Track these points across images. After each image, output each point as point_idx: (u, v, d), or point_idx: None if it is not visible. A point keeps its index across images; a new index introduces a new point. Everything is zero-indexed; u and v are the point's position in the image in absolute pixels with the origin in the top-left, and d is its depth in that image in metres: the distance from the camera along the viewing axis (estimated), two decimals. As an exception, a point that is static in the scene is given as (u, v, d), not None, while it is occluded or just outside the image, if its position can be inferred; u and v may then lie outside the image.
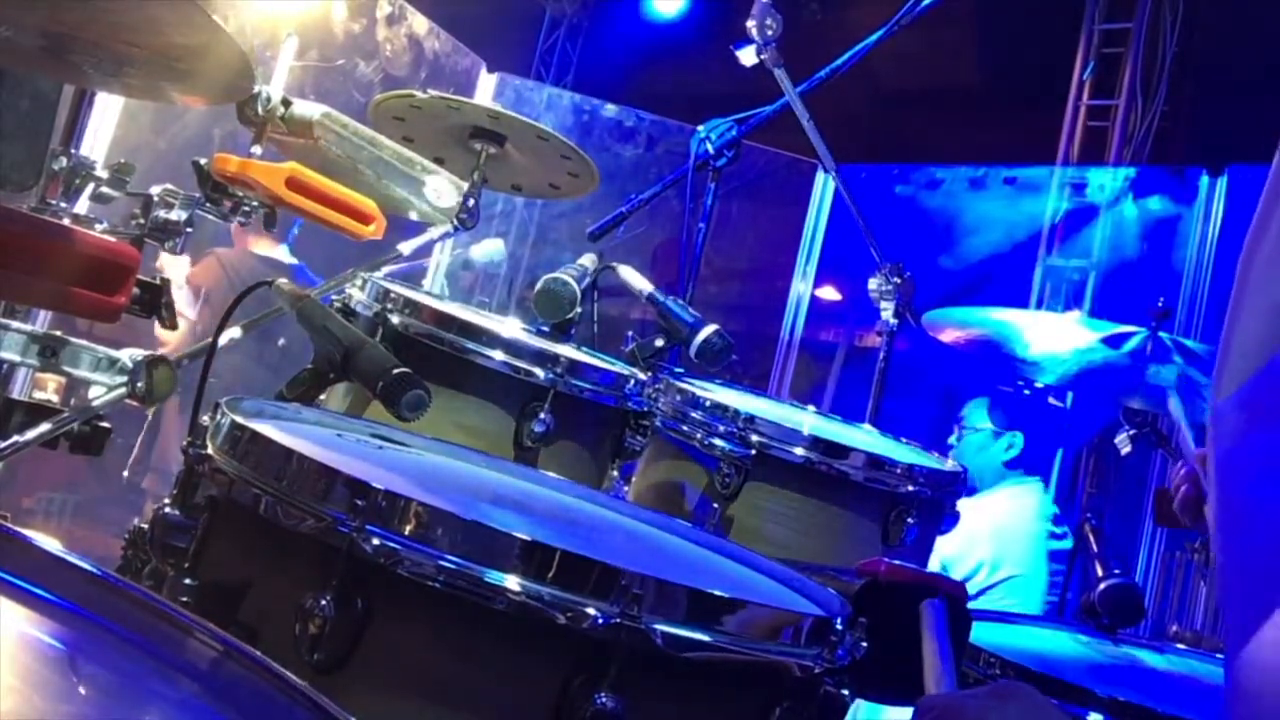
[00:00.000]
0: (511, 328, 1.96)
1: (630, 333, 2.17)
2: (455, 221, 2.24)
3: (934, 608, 1.23)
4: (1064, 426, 5.55)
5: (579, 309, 2.06)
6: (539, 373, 1.81)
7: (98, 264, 1.82)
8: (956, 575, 3.72)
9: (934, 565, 3.48)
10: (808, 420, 2.25)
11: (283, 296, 1.56)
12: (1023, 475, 4.07)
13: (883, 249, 2.73)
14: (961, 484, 2.02)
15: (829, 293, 6.84)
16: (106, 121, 3.99)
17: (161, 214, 2.03)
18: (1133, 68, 6.20)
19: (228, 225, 2.14)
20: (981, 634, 1.43)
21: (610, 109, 7.14)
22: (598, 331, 2.25)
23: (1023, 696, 0.90)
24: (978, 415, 4.14)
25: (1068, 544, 3.95)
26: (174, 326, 2.00)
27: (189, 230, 2.06)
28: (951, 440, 4.13)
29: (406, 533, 1.01)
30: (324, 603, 0.99)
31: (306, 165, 2.03)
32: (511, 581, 0.99)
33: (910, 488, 1.89)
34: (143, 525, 1.18)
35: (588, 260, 2.21)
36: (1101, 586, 1.90)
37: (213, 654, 0.74)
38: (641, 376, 1.98)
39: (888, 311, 2.69)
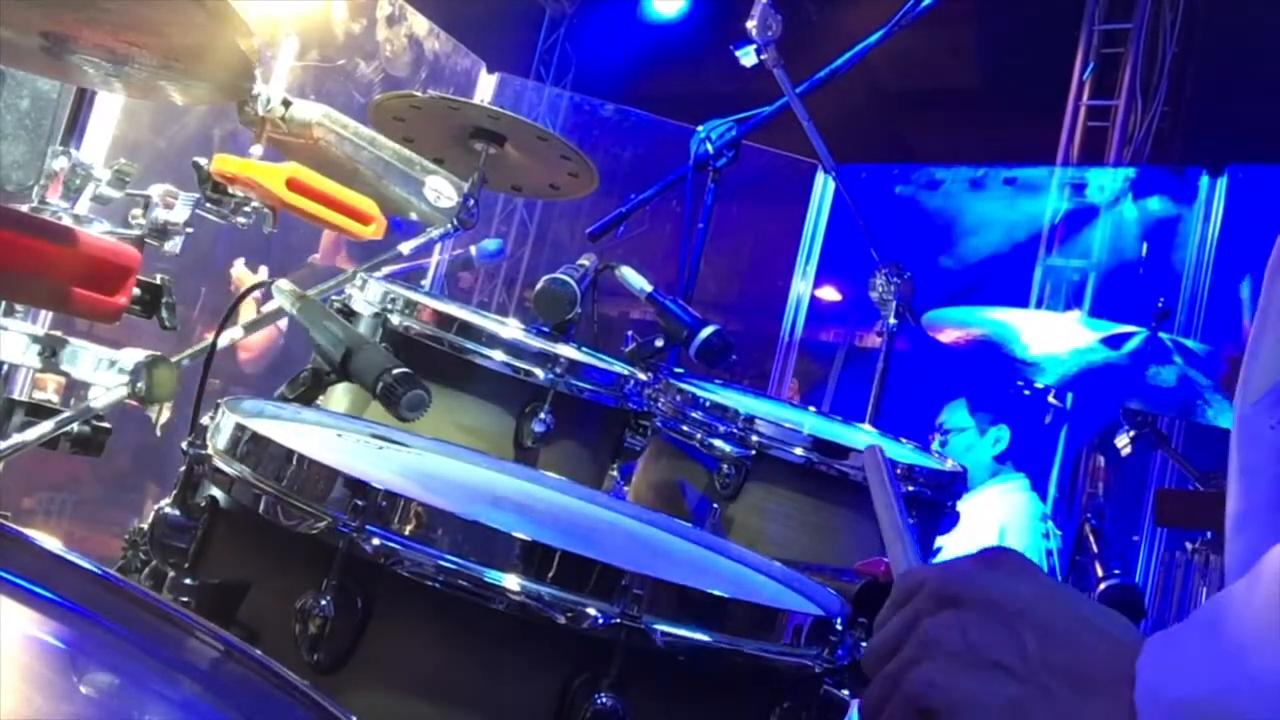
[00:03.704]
0: (511, 328, 1.96)
1: (630, 333, 2.16)
2: (455, 221, 2.24)
3: (880, 454, 1.10)
4: (1063, 426, 5.55)
5: (579, 309, 2.06)
6: (539, 373, 1.81)
7: (98, 264, 1.83)
8: None
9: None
10: (808, 420, 2.25)
11: (283, 296, 1.56)
12: (1011, 471, 4.07)
13: (882, 249, 2.73)
14: (962, 484, 2.02)
15: (829, 293, 6.85)
16: (106, 121, 3.99)
17: (161, 214, 2.03)
18: (1133, 68, 6.20)
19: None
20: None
21: (610, 109, 7.14)
22: (598, 331, 2.25)
23: (1006, 561, 0.86)
24: (958, 416, 4.13)
25: (1054, 544, 3.95)
26: (174, 327, 1.99)
27: (189, 230, 2.06)
28: (934, 448, 4.11)
29: (406, 533, 1.01)
30: (324, 603, 0.99)
31: (306, 165, 2.03)
32: (511, 581, 0.99)
33: (910, 488, 1.88)
34: (143, 525, 1.18)
35: (587, 260, 2.21)
36: (1101, 586, 1.89)
37: (213, 654, 0.74)
38: (641, 376, 1.97)
39: (888, 311, 2.69)
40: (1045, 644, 0.77)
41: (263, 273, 4.86)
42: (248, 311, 2.62)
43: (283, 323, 4.99)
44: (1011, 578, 0.82)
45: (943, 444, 4.08)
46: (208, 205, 2.04)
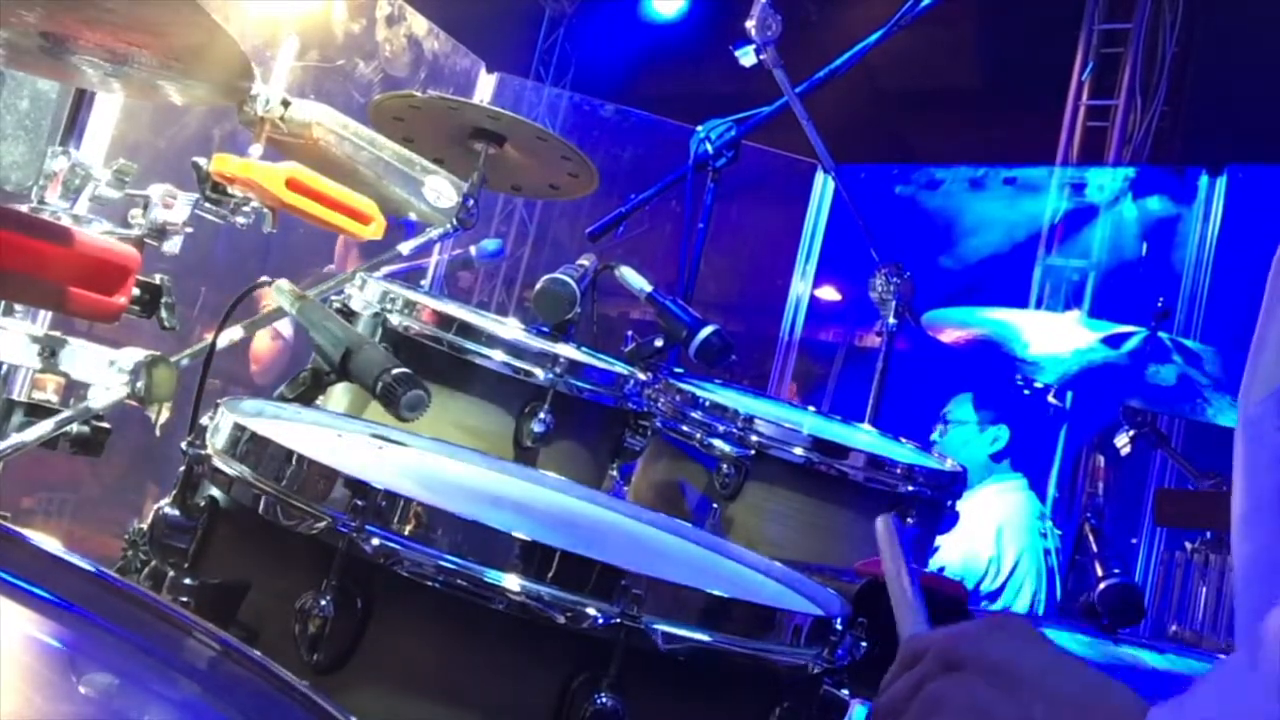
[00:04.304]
0: (511, 328, 1.96)
1: (630, 333, 2.16)
2: (455, 221, 2.24)
3: (895, 522, 1.14)
4: (1063, 425, 5.55)
5: (579, 309, 2.06)
6: (539, 373, 1.81)
7: (98, 264, 1.83)
8: (971, 579, 3.72)
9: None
10: (808, 420, 2.25)
11: (283, 296, 1.56)
12: (1008, 470, 4.07)
13: (882, 249, 2.73)
14: (961, 484, 2.02)
15: (829, 293, 6.84)
16: (106, 121, 3.98)
17: (161, 214, 2.03)
18: (1133, 68, 6.20)
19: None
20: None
21: (610, 109, 7.14)
22: (598, 331, 2.25)
23: (1013, 627, 0.86)
24: (963, 410, 4.13)
25: (1052, 543, 3.96)
26: (174, 327, 1.99)
27: (189, 230, 2.06)
28: (935, 436, 4.11)
29: (406, 533, 1.01)
30: (324, 603, 0.99)
31: (306, 165, 2.03)
32: (511, 581, 0.99)
33: (910, 488, 1.88)
34: (143, 525, 1.18)
35: (587, 260, 2.21)
36: (1101, 586, 1.89)
37: (213, 654, 0.74)
38: (641, 376, 1.97)
39: (888, 311, 2.69)
40: (1054, 713, 0.77)
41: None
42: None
43: (289, 331, 5.02)
44: (1018, 645, 0.82)
45: (942, 433, 4.08)
46: (207, 205, 2.04)
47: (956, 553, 3.73)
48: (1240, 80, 6.03)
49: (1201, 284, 5.36)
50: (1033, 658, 0.81)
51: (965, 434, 4.07)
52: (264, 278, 1.58)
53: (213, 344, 1.72)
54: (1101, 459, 2.58)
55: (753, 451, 1.85)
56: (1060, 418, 5.54)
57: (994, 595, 3.79)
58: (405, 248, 2.37)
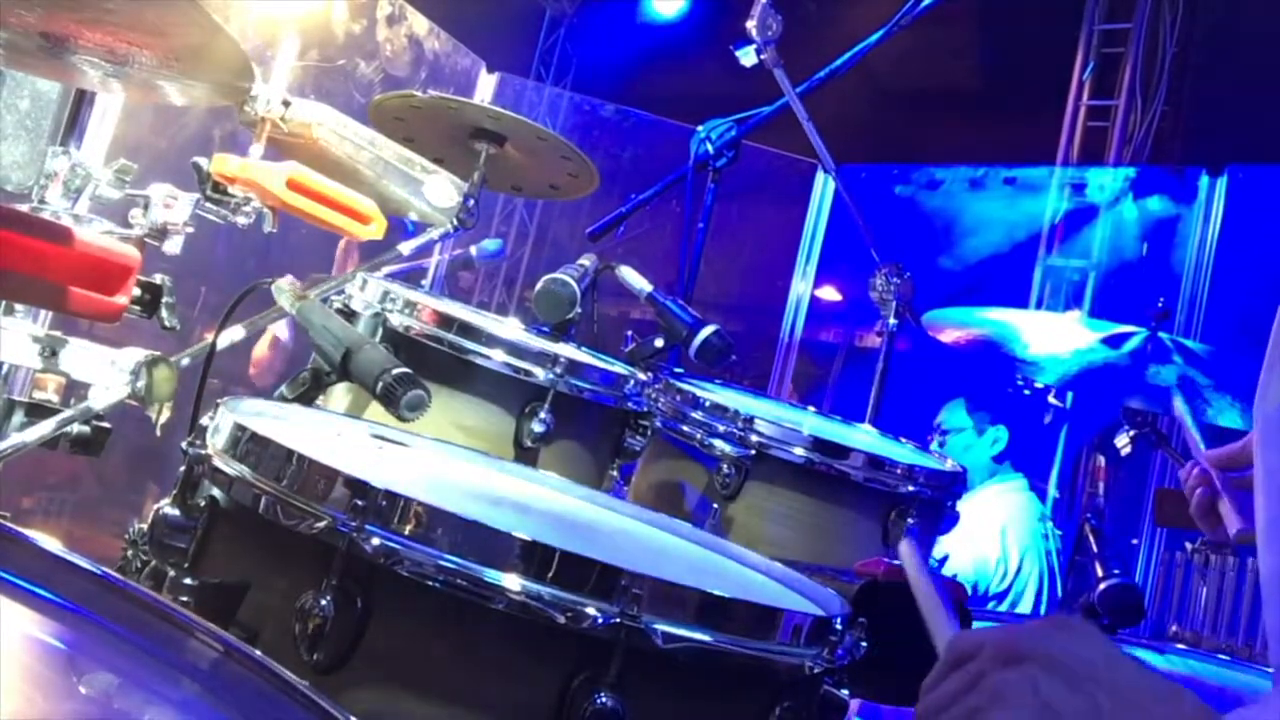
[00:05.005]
0: (511, 328, 1.96)
1: (630, 333, 2.16)
2: (455, 221, 2.24)
3: (913, 545, 1.16)
4: (1063, 426, 5.55)
5: (579, 309, 2.06)
6: (539, 373, 1.81)
7: (98, 264, 1.83)
8: (984, 583, 3.73)
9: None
10: (808, 420, 2.25)
11: (283, 296, 1.56)
12: (1009, 471, 4.07)
13: (882, 249, 2.73)
14: (962, 484, 2.02)
15: (829, 293, 6.84)
16: (106, 121, 3.98)
17: (161, 214, 2.03)
18: (1133, 68, 6.19)
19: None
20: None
21: (610, 109, 7.14)
22: (598, 331, 2.25)
23: (1072, 625, 0.85)
24: (956, 417, 4.13)
25: (1054, 544, 3.96)
26: (174, 327, 1.99)
27: (189, 230, 2.06)
28: (933, 448, 4.10)
29: (406, 532, 1.01)
30: (324, 602, 0.99)
31: (306, 165, 2.03)
32: (511, 581, 0.99)
33: (910, 488, 1.88)
34: (143, 525, 1.18)
35: (587, 260, 2.21)
36: (1101, 586, 1.89)
37: (213, 654, 0.74)
38: (641, 376, 1.97)
39: (888, 311, 2.69)
40: (1119, 707, 0.77)
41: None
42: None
43: (285, 335, 5.04)
44: (1079, 642, 0.82)
45: (941, 444, 4.08)
46: (208, 205, 2.04)
47: (967, 558, 3.73)
48: (1240, 80, 6.02)
49: (1201, 284, 5.36)
50: (1094, 652, 0.81)
51: (965, 440, 4.07)
52: (264, 278, 1.58)
53: (213, 344, 1.72)
54: (1102, 459, 2.58)
55: (753, 451, 1.85)
56: (1060, 418, 5.54)
57: (1001, 596, 3.80)
58: (405, 248, 2.37)
